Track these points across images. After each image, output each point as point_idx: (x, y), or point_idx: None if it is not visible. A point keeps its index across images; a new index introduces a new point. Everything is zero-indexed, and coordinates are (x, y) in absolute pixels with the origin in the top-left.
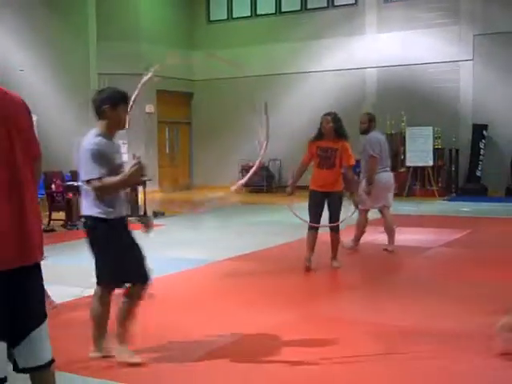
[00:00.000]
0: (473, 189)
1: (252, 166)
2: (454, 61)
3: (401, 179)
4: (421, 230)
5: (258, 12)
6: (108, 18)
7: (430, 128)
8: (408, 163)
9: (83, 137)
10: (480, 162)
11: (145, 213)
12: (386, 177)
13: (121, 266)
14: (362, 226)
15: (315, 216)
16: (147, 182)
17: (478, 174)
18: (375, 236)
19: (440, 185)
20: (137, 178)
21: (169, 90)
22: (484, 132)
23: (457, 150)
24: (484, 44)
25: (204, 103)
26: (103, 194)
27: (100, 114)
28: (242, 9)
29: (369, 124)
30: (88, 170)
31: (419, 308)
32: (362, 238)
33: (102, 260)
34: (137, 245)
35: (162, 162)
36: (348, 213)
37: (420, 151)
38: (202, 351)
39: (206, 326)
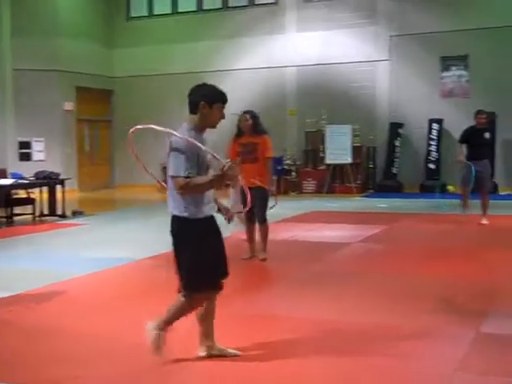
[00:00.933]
0: (389, 185)
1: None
2: (372, 60)
3: (321, 177)
4: (340, 226)
5: (179, 9)
6: (24, 13)
7: (349, 126)
8: (327, 161)
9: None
10: (396, 160)
11: (63, 213)
12: None
13: (210, 272)
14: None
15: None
16: (66, 181)
17: (394, 171)
18: (296, 232)
19: (358, 182)
20: (225, 181)
21: (88, 87)
22: (399, 130)
23: (374, 148)
24: (400, 44)
25: (125, 101)
26: (186, 192)
27: (194, 108)
28: (162, 6)
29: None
30: (176, 166)
31: (338, 302)
32: (285, 234)
33: (194, 263)
34: (223, 245)
35: (82, 161)
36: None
37: (339, 149)
38: (119, 352)
39: (121, 326)
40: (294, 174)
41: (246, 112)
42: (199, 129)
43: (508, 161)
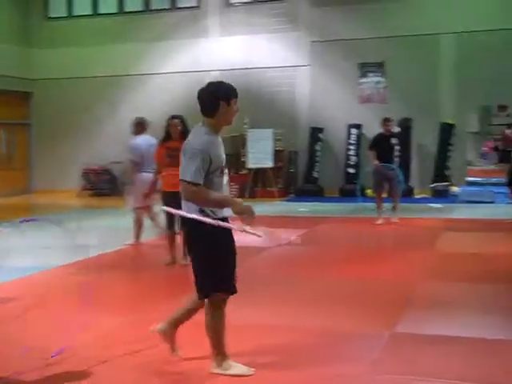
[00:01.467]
0: (310, 189)
1: (95, 170)
2: (293, 66)
3: (242, 181)
4: (261, 230)
5: (100, 11)
6: None
7: (271, 130)
8: (249, 165)
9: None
10: (317, 164)
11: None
12: (148, 177)
13: (225, 272)
14: (138, 224)
15: (169, 217)
16: None
17: (315, 175)
18: None
19: (280, 186)
20: (238, 211)
21: (4, 89)
22: (320, 135)
23: (295, 152)
24: (320, 50)
25: (45, 104)
26: (192, 200)
27: (214, 109)
28: (82, 6)
29: (136, 128)
30: (190, 171)
31: (254, 306)
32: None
33: (210, 267)
34: (235, 252)
35: None
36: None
37: (261, 153)
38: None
39: (25, 339)
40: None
41: (175, 117)
42: (217, 130)
43: (423, 165)
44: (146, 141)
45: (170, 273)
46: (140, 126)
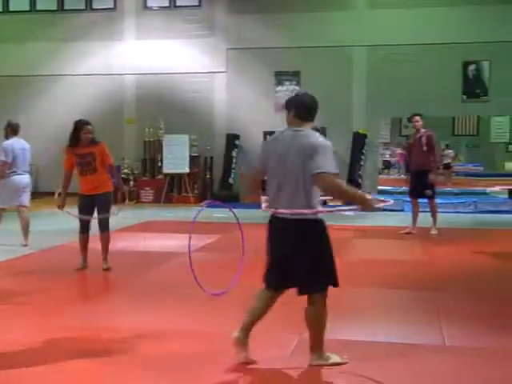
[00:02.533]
0: (226, 195)
1: None
2: (210, 72)
3: (158, 186)
4: (176, 235)
5: (11, 8)
6: None
7: (187, 136)
8: (165, 170)
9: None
10: (233, 170)
11: None
12: (19, 179)
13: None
14: None
15: (83, 220)
16: None
17: (231, 181)
18: (132, 242)
19: (196, 192)
20: (364, 205)
21: None
22: (236, 141)
23: (211, 158)
24: (236, 57)
25: None
26: (333, 190)
27: (312, 116)
28: None
29: (6, 132)
30: (330, 163)
31: (170, 311)
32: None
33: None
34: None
35: None
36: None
37: (177, 158)
38: None
39: None
40: (131, 183)
41: (87, 123)
42: None
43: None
44: (19, 143)
45: (87, 276)
46: (11, 129)
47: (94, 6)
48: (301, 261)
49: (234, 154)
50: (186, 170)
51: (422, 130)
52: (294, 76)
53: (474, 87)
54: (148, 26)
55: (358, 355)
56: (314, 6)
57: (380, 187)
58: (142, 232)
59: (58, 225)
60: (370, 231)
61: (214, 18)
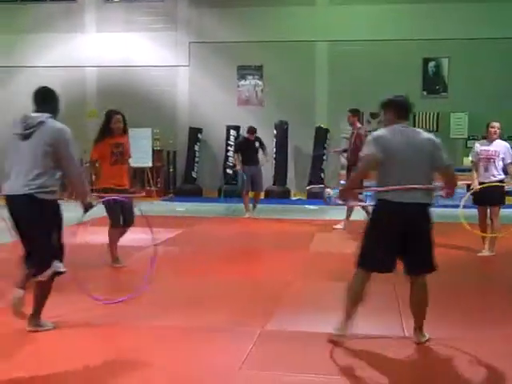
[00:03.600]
0: (189, 189)
1: None
2: (172, 65)
3: None
4: (138, 229)
5: None
6: None
7: (149, 129)
8: None
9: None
10: (196, 164)
11: None
12: None
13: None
14: None
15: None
16: None
17: (194, 175)
18: (92, 236)
19: (159, 185)
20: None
21: None
22: (199, 135)
23: (174, 152)
24: (199, 51)
25: None
26: (453, 177)
27: (408, 115)
28: None
29: None
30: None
31: (133, 307)
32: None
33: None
34: None
35: None
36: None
37: (139, 152)
38: None
39: None
40: (93, 176)
41: (117, 112)
42: None
43: (298, 166)
44: None
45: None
46: None
47: None
48: (425, 242)
49: (196, 147)
50: (149, 163)
51: (358, 126)
52: (257, 70)
53: (433, 84)
54: (109, 19)
55: (318, 346)
56: (276, 1)
57: (342, 182)
58: (100, 226)
59: None
60: (330, 224)
61: (176, 11)
